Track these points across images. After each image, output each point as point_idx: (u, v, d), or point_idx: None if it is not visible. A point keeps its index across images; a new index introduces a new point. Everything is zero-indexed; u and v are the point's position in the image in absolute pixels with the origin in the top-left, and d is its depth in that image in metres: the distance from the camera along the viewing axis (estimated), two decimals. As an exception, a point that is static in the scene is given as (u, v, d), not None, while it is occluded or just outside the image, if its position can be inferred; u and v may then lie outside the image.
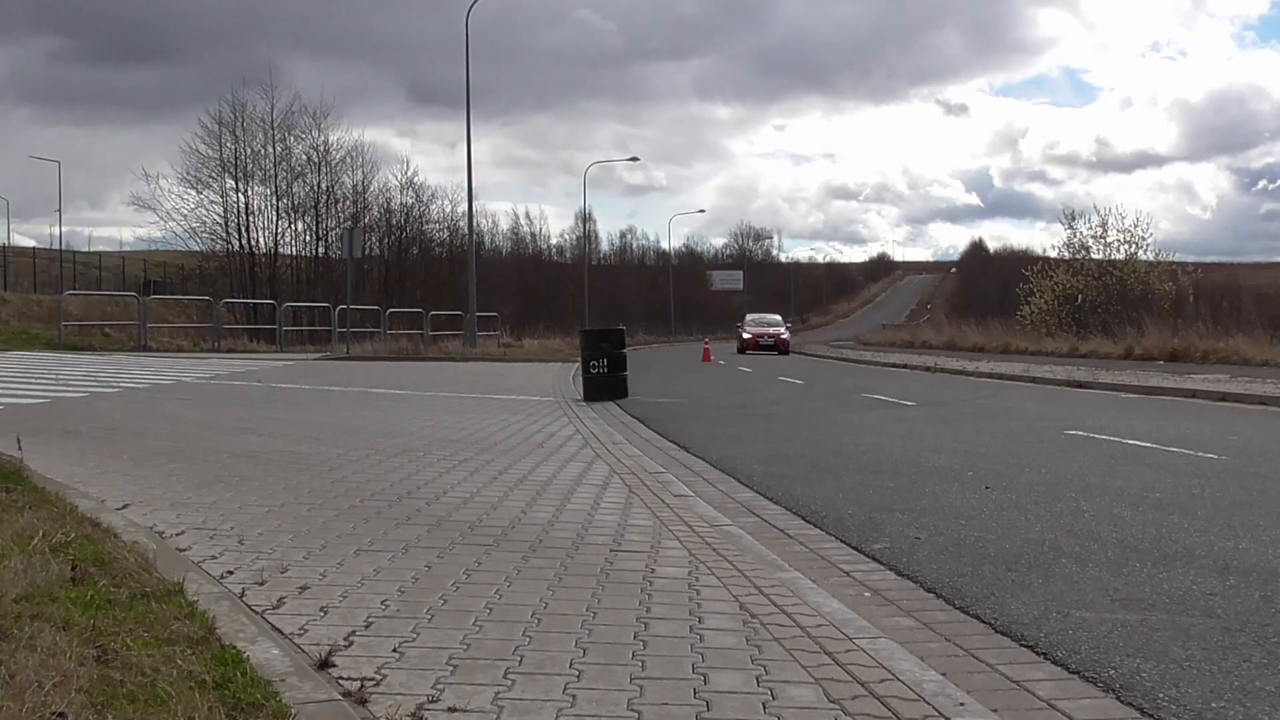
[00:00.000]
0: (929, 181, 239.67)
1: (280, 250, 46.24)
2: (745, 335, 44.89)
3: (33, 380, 15.62)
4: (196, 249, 45.44)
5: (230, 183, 44.56)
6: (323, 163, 47.05)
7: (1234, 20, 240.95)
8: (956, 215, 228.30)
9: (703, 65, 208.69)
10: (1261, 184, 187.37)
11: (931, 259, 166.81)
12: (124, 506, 5.51)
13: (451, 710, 2.78)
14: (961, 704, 2.94)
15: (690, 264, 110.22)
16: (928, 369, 26.02)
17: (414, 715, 2.74)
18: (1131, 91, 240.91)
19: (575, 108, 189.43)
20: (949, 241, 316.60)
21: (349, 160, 48.26)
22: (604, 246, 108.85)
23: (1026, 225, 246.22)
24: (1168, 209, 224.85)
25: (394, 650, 3.24)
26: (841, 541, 5.34)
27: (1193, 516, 5.87)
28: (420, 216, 56.38)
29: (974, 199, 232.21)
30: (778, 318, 47.88)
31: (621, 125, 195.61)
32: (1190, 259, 49.07)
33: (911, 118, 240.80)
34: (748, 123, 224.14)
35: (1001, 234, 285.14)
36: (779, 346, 43.43)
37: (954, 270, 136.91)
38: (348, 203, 49.16)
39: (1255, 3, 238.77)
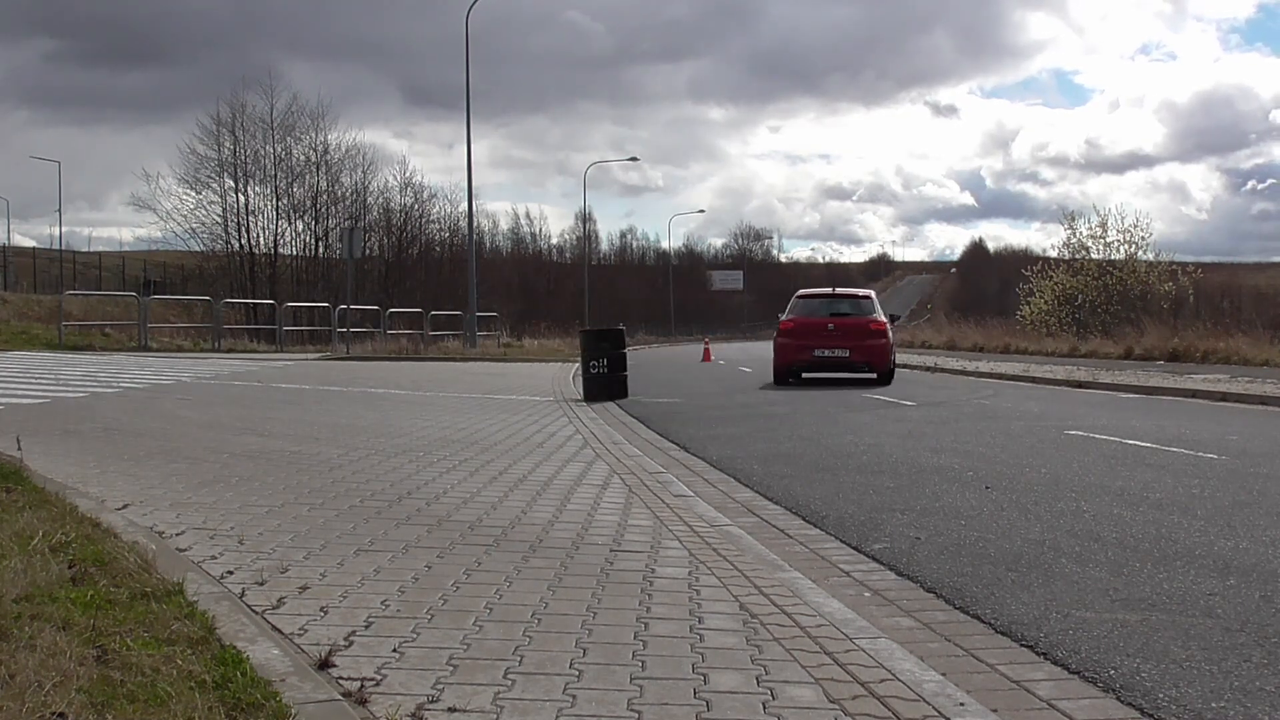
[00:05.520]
0: (923, 182, 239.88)
1: (280, 250, 46.35)
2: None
3: (33, 380, 15.62)
4: (196, 249, 45.62)
5: (229, 183, 44.74)
6: (321, 163, 47.19)
7: (1220, 24, 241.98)
8: (952, 216, 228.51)
9: (696, 67, 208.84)
10: (1251, 184, 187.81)
11: (929, 259, 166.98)
12: (124, 506, 5.51)
13: (451, 710, 2.78)
14: (961, 704, 2.94)
15: (690, 264, 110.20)
16: (928, 369, 26.02)
17: (414, 715, 2.74)
18: (1122, 93, 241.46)
19: (570, 109, 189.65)
20: (945, 241, 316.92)
21: (348, 161, 48.43)
22: (604, 246, 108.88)
23: (1022, 225, 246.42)
24: (1162, 210, 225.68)
25: (394, 650, 3.24)
26: (841, 541, 5.34)
27: (1193, 516, 5.87)
28: (420, 216, 56.54)
29: (969, 199, 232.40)
30: None
31: (616, 126, 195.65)
32: (1188, 259, 48.98)
33: (903, 119, 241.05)
34: (742, 124, 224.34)
35: (998, 234, 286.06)
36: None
37: (954, 270, 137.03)
38: (347, 203, 49.30)
39: (1241, 6, 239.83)
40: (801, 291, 20.51)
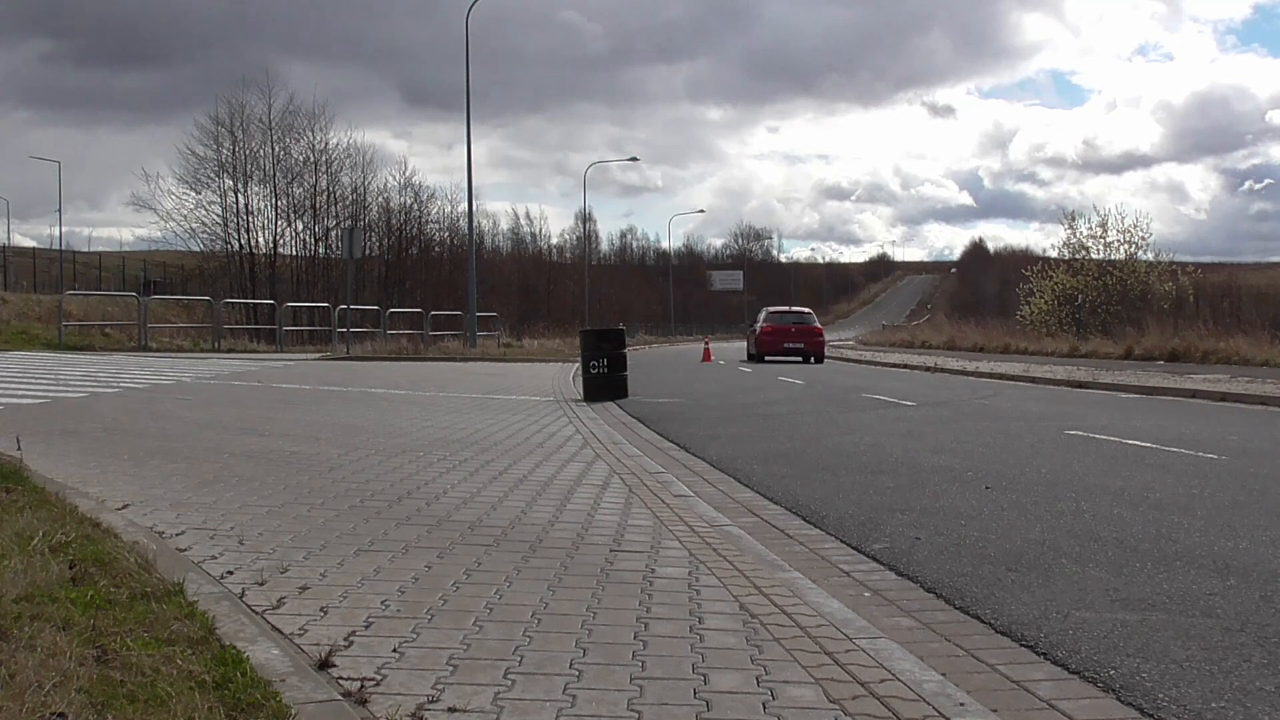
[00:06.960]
0: (921, 182, 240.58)
1: (279, 250, 46.32)
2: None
3: (33, 380, 15.62)
4: (196, 249, 45.57)
5: (229, 183, 44.70)
6: (320, 163, 47.16)
7: (1217, 25, 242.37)
8: (950, 216, 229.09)
9: (693, 68, 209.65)
10: (1248, 184, 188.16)
11: (928, 259, 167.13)
12: (124, 506, 5.51)
13: (451, 710, 2.78)
14: (961, 704, 2.93)
15: (690, 264, 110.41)
16: (928, 369, 26.01)
17: (414, 715, 2.74)
18: (1119, 94, 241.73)
19: (568, 110, 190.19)
20: (944, 241, 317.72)
21: (347, 160, 48.40)
22: (604, 246, 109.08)
23: (1020, 225, 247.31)
24: (1160, 209, 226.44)
25: (394, 650, 3.24)
26: (841, 541, 5.34)
27: (1193, 516, 5.87)
28: (419, 216, 56.50)
29: (967, 199, 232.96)
30: None
31: (614, 127, 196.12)
32: (1187, 259, 49.02)
33: (900, 120, 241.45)
34: (741, 125, 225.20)
35: (997, 234, 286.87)
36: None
37: (954, 270, 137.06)
38: (346, 203, 49.27)
39: (1237, 7, 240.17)
40: (768, 309, 33.99)
